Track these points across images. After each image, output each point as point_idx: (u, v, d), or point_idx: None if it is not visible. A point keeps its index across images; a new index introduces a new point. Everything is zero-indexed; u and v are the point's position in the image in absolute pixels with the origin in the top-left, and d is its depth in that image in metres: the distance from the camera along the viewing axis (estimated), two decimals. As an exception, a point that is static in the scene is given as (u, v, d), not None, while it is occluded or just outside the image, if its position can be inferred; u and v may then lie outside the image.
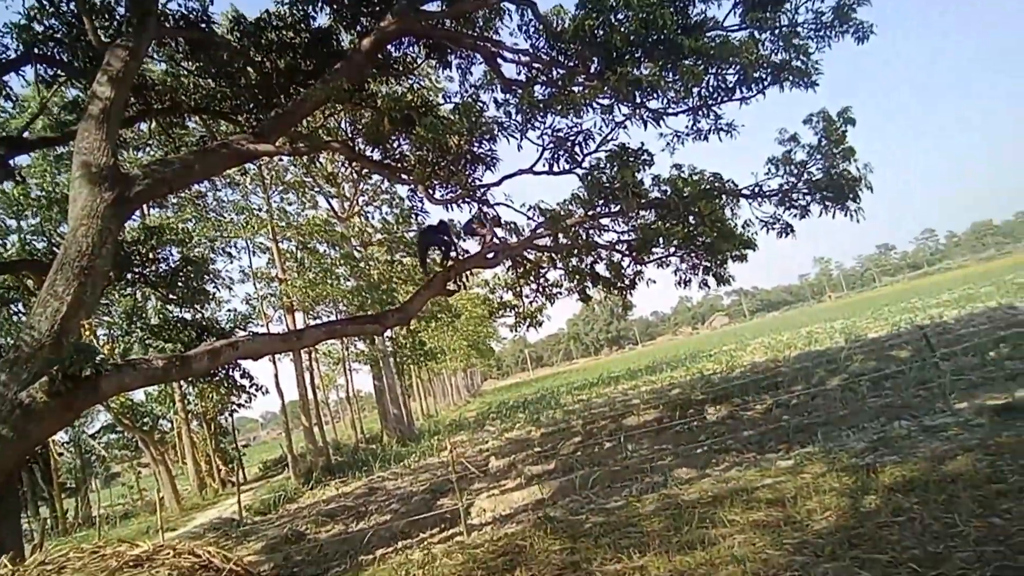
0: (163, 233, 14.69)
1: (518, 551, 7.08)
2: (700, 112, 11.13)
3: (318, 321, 26.41)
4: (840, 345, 23.75)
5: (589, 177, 10.60)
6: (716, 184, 13.18)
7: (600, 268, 17.63)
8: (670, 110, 11.64)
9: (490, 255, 12.70)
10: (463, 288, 13.44)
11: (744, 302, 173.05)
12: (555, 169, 11.12)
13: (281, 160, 22.56)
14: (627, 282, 17.88)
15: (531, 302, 18.45)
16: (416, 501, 13.83)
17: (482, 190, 10.55)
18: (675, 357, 45.42)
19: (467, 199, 10.19)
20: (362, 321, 11.69)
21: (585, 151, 10.79)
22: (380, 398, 30.59)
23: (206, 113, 12.47)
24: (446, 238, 12.33)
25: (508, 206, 12.13)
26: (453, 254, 12.37)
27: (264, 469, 29.13)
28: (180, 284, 17.81)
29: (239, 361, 23.04)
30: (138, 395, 24.15)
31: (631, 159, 10.55)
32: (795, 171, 12.72)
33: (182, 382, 22.10)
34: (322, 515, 14.72)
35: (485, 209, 11.24)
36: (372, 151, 10.46)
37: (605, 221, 16.71)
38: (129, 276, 13.60)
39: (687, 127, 13.46)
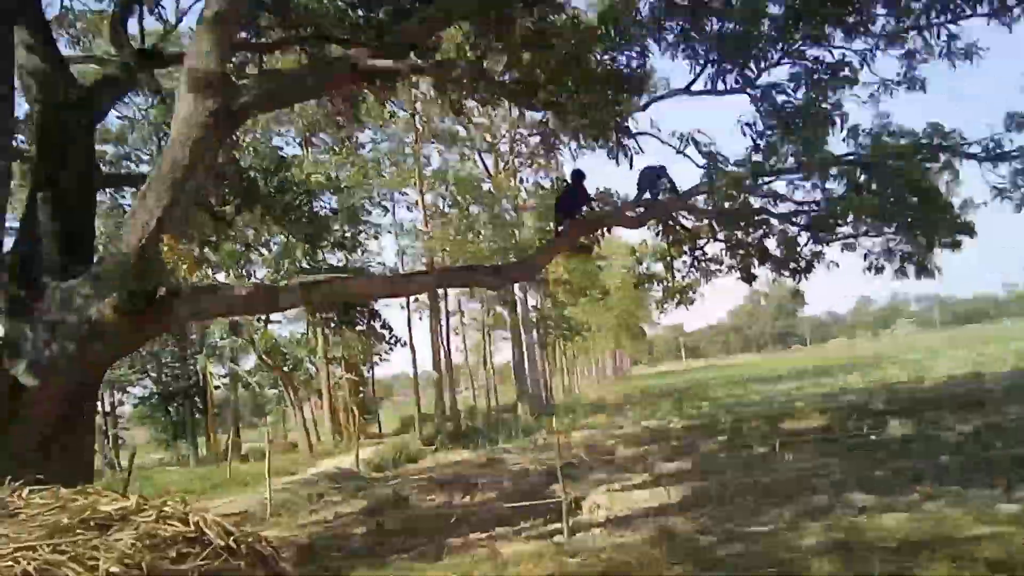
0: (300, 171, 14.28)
1: (619, 573, 5.41)
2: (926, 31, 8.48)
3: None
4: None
5: (765, 101, 8.30)
6: (935, 138, 10.31)
7: (770, 244, 15.12)
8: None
9: (632, 212, 10.85)
10: (598, 244, 11.75)
11: (937, 309, 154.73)
12: (720, 87, 8.91)
13: (436, 108, 21.70)
14: (802, 264, 15.21)
15: (683, 276, 16.29)
16: (530, 482, 12.48)
17: (622, 119, 8.54)
18: (851, 361, 40.55)
19: (606, 133, 8.24)
20: (481, 272, 10.29)
21: (762, 63, 8.50)
22: (519, 368, 29.65)
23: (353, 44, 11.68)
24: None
25: (656, 137, 10.10)
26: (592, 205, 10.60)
27: (402, 426, 29.31)
28: (321, 226, 17.69)
29: (377, 310, 22.90)
30: (283, 334, 25.03)
31: (826, 76, 8.17)
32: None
33: (326, 328, 22.33)
34: (435, 480, 13.85)
35: (626, 142, 9.23)
36: (504, 76, 9.03)
37: (780, 186, 14.26)
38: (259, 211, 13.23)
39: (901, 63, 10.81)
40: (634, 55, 7.87)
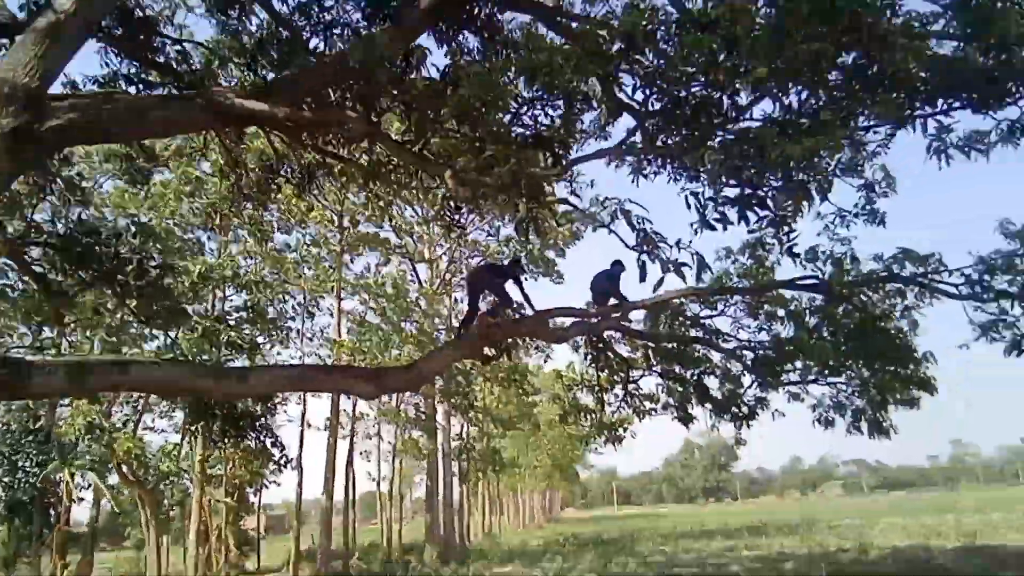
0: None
1: None
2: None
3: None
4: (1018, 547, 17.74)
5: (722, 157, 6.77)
6: (907, 264, 9.10)
7: (711, 384, 13.57)
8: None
9: (561, 323, 9.16)
10: (506, 358, 9.90)
11: (864, 475, 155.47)
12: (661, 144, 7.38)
13: (362, 209, 20.24)
14: (745, 410, 13.68)
15: (614, 411, 14.47)
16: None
17: (541, 187, 6.84)
18: (784, 521, 38.48)
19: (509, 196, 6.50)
20: (350, 373, 8.11)
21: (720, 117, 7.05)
22: (429, 502, 26.60)
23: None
24: (509, 281, 8.84)
25: (572, 205, 8.47)
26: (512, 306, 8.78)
27: (289, 562, 25.49)
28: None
29: (268, 425, 20.19)
30: (155, 442, 21.77)
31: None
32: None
33: (202, 440, 19.44)
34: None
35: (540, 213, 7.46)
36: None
37: (724, 324, 12.94)
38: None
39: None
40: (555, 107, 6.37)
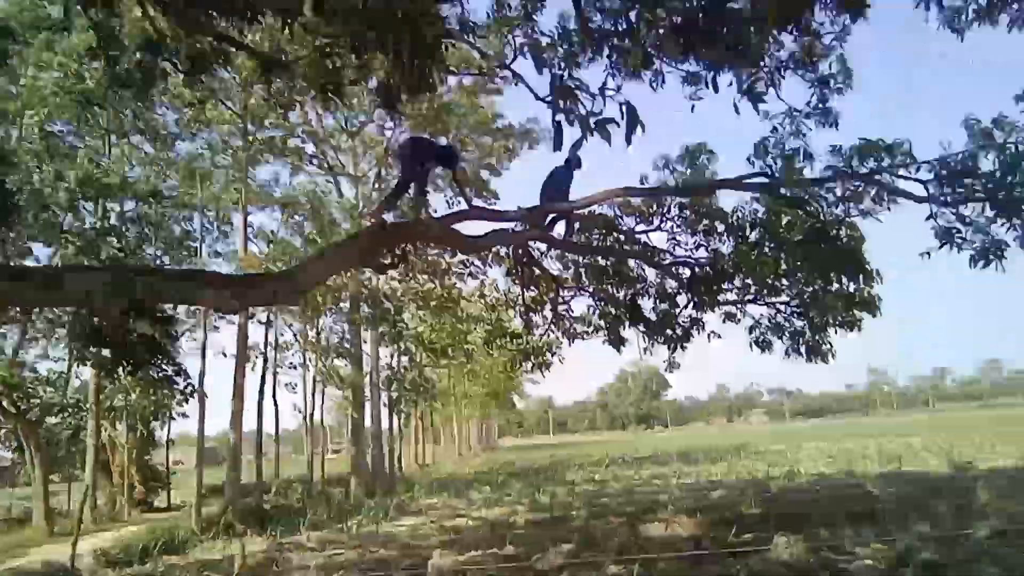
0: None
1: None
2: None
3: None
4: (947, 472, 17.91)
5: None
6: (870, 155, 7.98)
7: (645, 305, 12.62)
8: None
9: (487, 226, 7.75)
10: (404, 263, 8.61)
11: (785, 402, 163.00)
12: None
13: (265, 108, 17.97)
14: (679, 332, 12.83)
15: (542, 334, 13.43)
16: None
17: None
18: (713, 447, 39.27)
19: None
20: (204, 281, 6.54)
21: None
22: (356, 435, 25.48)
23: None
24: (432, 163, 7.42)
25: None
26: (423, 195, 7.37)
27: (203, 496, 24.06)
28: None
29: (167, 351, 18.50)
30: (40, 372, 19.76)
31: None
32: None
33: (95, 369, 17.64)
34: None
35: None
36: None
37: (659, 240, 11.88)
38: None
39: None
40: None
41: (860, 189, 8.29)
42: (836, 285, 11.00)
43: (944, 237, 7.39)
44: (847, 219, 8.87)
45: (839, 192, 8.69)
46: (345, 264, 7.49)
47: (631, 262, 11.94)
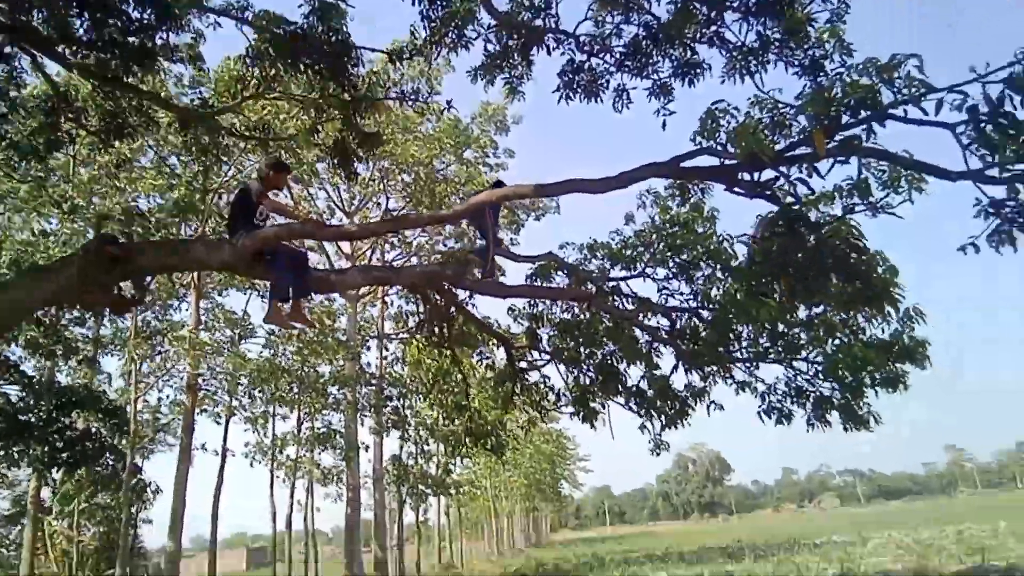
0: None
1: None
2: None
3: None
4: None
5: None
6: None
7: (632, 374, 10.22)
8: None
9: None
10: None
11: (859, 484, 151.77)
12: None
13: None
14: (674, 405, 10.34)
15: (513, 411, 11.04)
16: None
17: None
18: (768, 541, 34.89)
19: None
20: None
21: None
22: (350, 536, 22.86)
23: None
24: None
25: None
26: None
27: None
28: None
29: (111, 447, 16.71)
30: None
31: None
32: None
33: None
34: None
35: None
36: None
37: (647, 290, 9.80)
38: None
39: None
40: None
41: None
42: (861, 322, 8.63)
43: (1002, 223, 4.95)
44: (846, 216, 6.32)
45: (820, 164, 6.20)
46: (47, 293, 5.46)
47: (602, 316, 9.71)
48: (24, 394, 15.46)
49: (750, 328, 9.35)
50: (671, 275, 9.85)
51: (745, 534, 45.95)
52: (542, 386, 10.17)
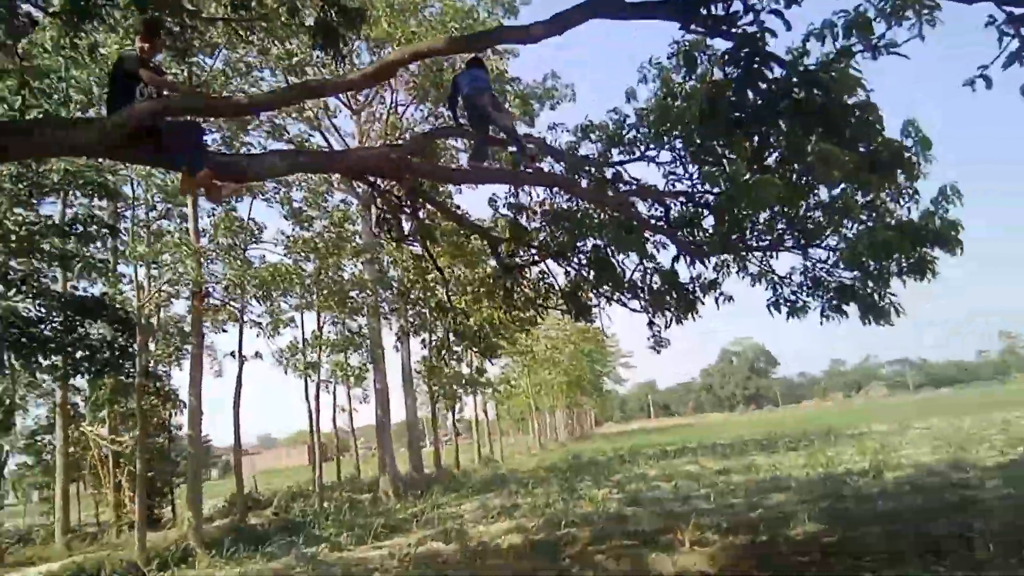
0: None
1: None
2: None
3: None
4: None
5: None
6: None
7: (629, 267, 9.39)
8: None
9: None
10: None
11: (909, 374, 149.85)
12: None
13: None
14: (681, 298, 9.53)
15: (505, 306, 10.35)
16: None
17: None
18: (808, 431, 34.53)
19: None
20: None
21: None
22: (381, 434, 23.33)
23: None
24: None
25: None
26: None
27: (227, 506, 22.67)
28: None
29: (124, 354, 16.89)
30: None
31: None
32: None
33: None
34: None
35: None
36: None
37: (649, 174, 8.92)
38: None
39: None
40: None
41: None
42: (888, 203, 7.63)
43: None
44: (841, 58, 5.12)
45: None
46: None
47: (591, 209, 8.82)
48: (39, 306, 15.51)
49: (764, 214, 8.41)
50: (676, 158, 8.84)
51: (787, 425, 45.87)
52: (532, 283, 9.48)
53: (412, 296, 21.67)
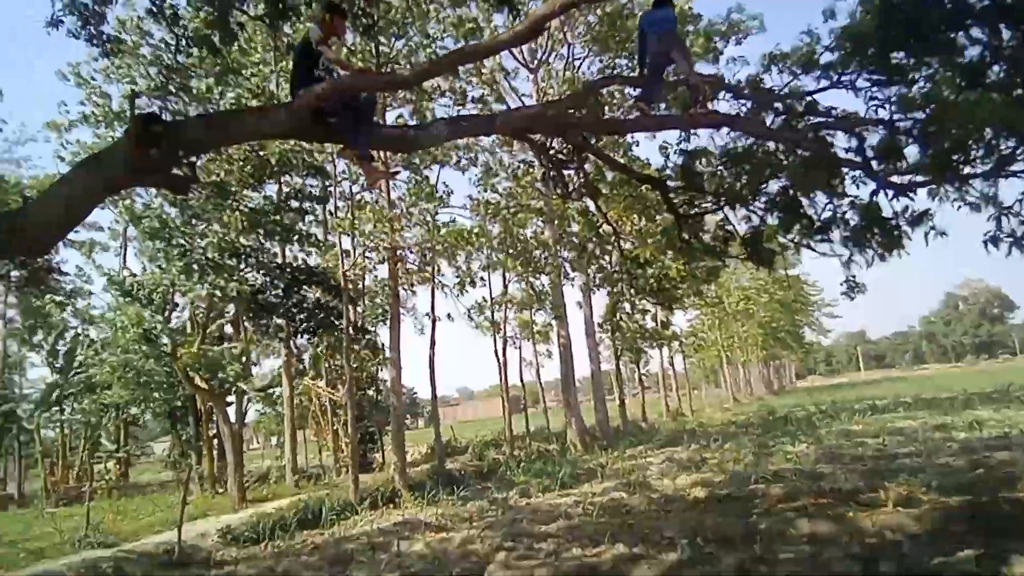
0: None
1: None
2: None
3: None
4: None
5: None
6: None
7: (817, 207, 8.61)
8: None
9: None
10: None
11: None
12: None
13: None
14: (876, 233, 8.61)
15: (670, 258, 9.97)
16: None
17: None
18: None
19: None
20: None
21: None
22: (566, 388, 23.84)
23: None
24: None
25: None
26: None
27: (423, 456, 24.59)
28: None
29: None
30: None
31: None
32: None
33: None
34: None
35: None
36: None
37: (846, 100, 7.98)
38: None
39: None
40: None
41: None
42: None
43: None
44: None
45: None
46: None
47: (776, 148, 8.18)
48: (264, 276, 17.55)
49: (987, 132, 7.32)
50: (874, 82, 7.93)
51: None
52: (710, 231, 9.02)
53: (588, 251, 21.64)
